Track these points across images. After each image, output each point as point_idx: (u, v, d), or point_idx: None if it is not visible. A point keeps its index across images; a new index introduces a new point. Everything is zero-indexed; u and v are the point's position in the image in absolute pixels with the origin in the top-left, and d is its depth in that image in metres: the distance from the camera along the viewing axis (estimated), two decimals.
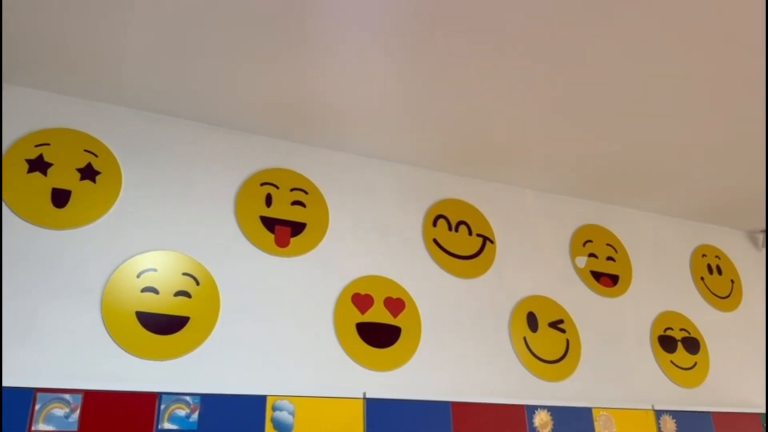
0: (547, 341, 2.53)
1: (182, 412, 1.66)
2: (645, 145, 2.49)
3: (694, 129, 2.38)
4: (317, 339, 2.10)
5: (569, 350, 2.56)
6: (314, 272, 2.21)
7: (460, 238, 2.56)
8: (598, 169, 2.70)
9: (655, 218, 3.12)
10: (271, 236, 2.19)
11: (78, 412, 1.56)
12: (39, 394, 1.56)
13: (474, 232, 2.61)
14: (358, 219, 2.39)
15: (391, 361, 2.20)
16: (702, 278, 3.11)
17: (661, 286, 2.95)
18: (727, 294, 3.14)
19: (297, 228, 2.25)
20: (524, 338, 2.49)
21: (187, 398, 1.69)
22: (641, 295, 2.87)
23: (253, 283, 2.09)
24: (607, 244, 2.92)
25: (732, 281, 3.20)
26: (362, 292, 2.26)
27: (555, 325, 2.58)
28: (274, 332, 2.05)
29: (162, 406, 1.65)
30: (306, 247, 2.24)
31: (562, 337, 2.57)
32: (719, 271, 3.19)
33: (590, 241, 2.88)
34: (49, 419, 1.54)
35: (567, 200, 2.91)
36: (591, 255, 2.84)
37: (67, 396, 1.57)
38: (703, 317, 2.97)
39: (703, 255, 3.19)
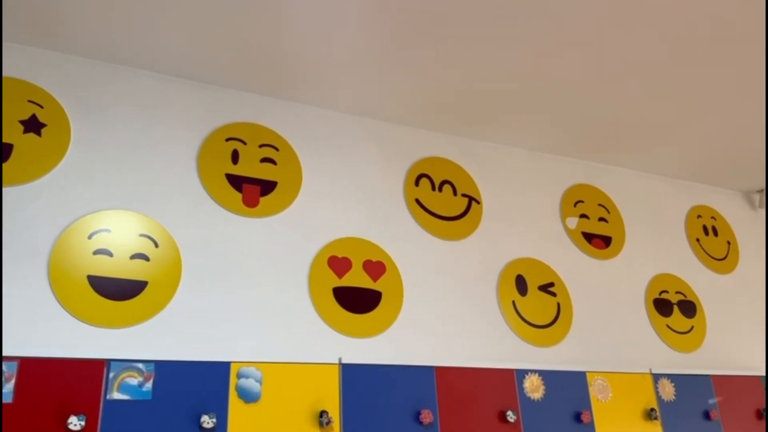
0: (538, 305, 2.39)
1: (134, 381, 1.50)
2: (637, 102, 2.36)
3: (686, 85, 2.25)
4: (290, 304, 1.95)
5: (560, 314, 2.42)
6: (287, 234, 2.05)
7: (444, 198, 2.41)
8: (589, 127, 2.56)
9: (648, 178, 2.98)
10: (239, 195, 2.02)
11: (13, 381, 1.39)
12: None
13: (459, 192, 2.45)
14: (334, 178, 2.22)
15: (371, 327, 2.05)
16: (698, 240, 2.98)
17: (656, 248, 2.82)
18: (724, 256, 3.01)
19: (267, 187, 2.08)
20: (513, 302, 2.35)
21: (140, 365, 1.52)
22: (635, 257, 2.73)
23: (218, 245, 1.92)
24: (599, 205, 2.78)
25: (728, 242, 3.07)
26: (339, 255, 2.10)
27: (545, 288, 2.44)
28: (242, 298, 1.88)
29: (111, 375, 1.48)
30: (277, 207, 2.07)
31: (552, 300, 2.43)
32: (715, 233, 3.06)
33: (581, 201, 2.73)
34: None
35: (557, 159, 2.76)
36: (582, 216, 2.70)
37: None
38: (699, 280, 2.85)
39: (699, 216, 3.06)
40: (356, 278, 2.09)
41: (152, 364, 1.53)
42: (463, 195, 2.46)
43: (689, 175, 3.08)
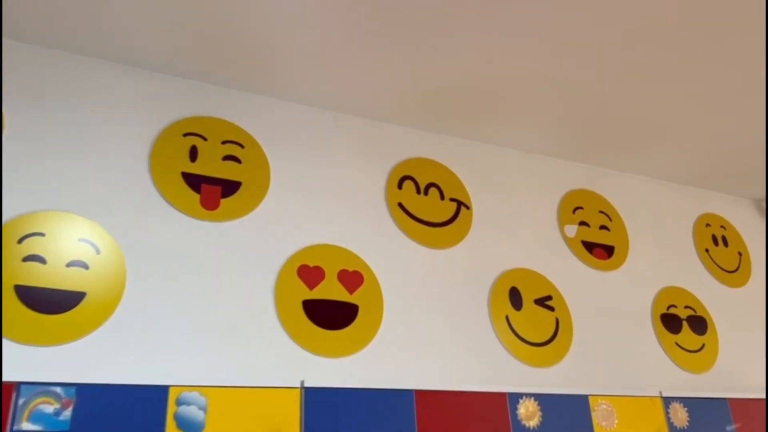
0: (534, 320, 2.16)
1: (50, 408, 1.26)
2: (641, 101, 2.16)
3: (695, 83, 2.05)
4: (251, 319, 1.71)
5: (559, 331, 2.19)
6: (251, 239, 1.82)
7: (430, 203, 2.19)
8: (589, 127, 2.35)
9: (652, 183, 2.77)
10: (196, 196, 1.80)
11: None
12: None
13: (447, 196, 2.23)
14: (306, 178, 2.00)
15: (346, 344, 1.81)
16: (707, 250, 2.76)
17: (662, 259, 2.60)
18: (735, 268, 2.79)
19: (229, 187, 1.86)
20: (506, 317, 2.12)
21: (57, 389, 1.28)
22: (640, 268, 2.51)
23: (170, 251, 1.70)
24: (600, 212, 2.56)
25: (739, 254, 2.85)
26: (311, 264, 1.88)
27: (542, 302, 2.22)
28: (195, 312, 1.65)
29: (20, 401, 1.25)
30: (241, 210, 1.85)
31: (550, 315, 2.20)
32: (725, 243, 2.84)
33: (581, 207, 2.51)
34: None
35: (554, 162, 2.54)
36: (582, 223, 2.48)
37: None
38: (710, 293, 2.62)
39: (707, 224, 2.84)
40: (330, 290, 1.87)
41: (73, 389, 1.29)
42: (452, 199, 2.24)
43: (696, 181, 2.87)
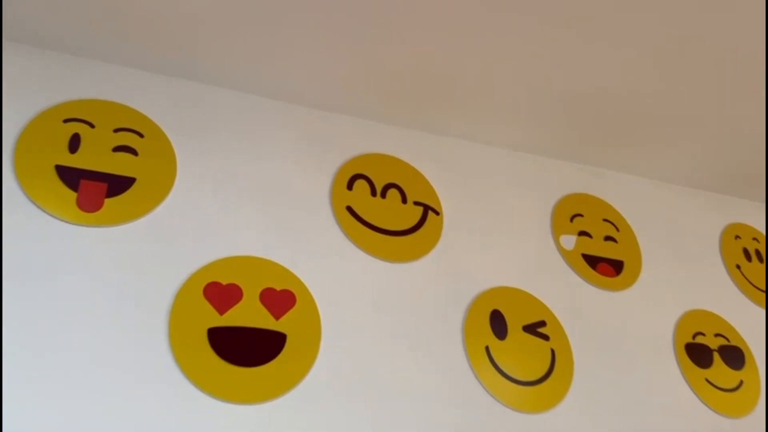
0: (523, 352, 1.71)
1: None
2: (653, 86, 1.79)
3: (718, 67, 1.69)
4: (128, 353, 1.29)
5: (556, 365, 1.73)
6: (141, 249, 1.42)
7: (388, 207, 1.78)
8: (591, 119, 1.97)
9: (668, 187, 2.34)
10: (73, 195, 1.42)
11: None
12: None
13: (410, 199, 1.82)
14: (225, 176, 1.61)
15: (267, 386, 1.39)
16: (738, 266, 2.30)
17: (684, 277, 2.15)
18: None
19: (118, 184, 1.47)
20: (486, 348, 1.67)
21: None
22: (656, 288, 2.06)
23: (29, 262, 1.30)
24: (605, 220, 2.13)
25: None
26: (224, 282, 1.47)
27: (533, 329, 1.77)
28: (51, 341, 1.24)
29: None
30: (131, 212, 1.46)
31: (544, 346, 1.75)
32: (759, 258, 2.39)
33: (580, 215, 2.09)
34: None
35: (546, 162, 2.14)
36: (582, 233, 2.05)
37: None
38: (746, 318, 2.16)
39: (737, 237, 2.40)
40: (248, 314, 1.45)
41: None
42: (416, 203, 1.83)
43: (721, 186, 2.44)
